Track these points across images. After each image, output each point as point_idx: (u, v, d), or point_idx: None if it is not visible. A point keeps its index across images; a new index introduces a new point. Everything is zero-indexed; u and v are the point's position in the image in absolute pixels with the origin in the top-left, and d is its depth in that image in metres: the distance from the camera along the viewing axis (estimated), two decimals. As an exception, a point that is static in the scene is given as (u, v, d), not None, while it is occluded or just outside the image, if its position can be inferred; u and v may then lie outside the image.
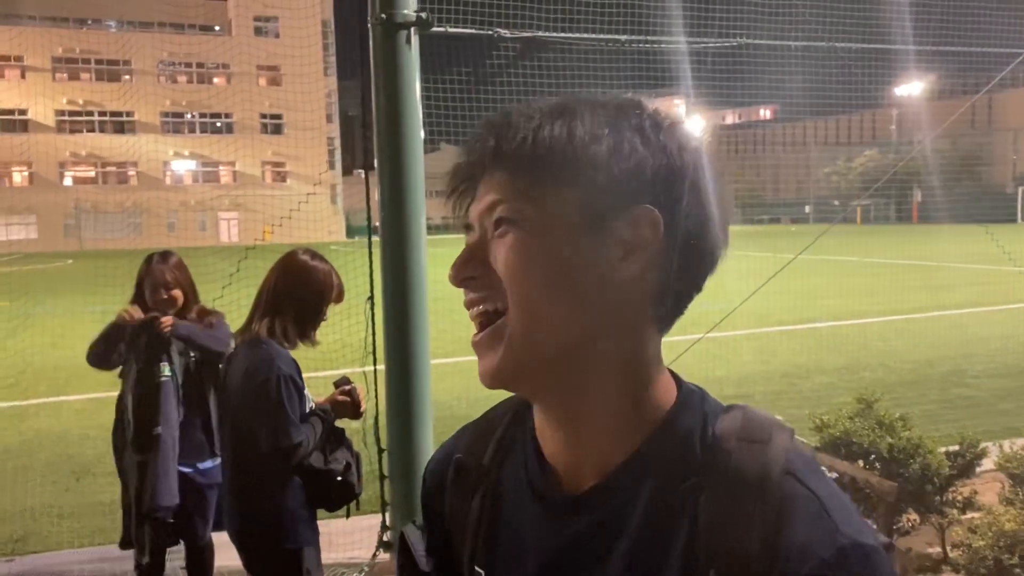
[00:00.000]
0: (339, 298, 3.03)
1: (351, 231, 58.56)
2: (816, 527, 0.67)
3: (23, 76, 53.54)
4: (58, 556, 4.22)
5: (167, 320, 3.53)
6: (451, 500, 0.87)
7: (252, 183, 57.83)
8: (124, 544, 3.66)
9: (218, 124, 58.19)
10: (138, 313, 3.52)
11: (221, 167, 58.15)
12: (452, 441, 0.94)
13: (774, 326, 12.97)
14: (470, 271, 0.76)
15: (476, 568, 0.83)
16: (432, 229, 4.65)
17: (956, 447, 4.18)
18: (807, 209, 64.77)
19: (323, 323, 3.02)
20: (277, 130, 58.64)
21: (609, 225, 0.72)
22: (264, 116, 58.30)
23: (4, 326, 12.40)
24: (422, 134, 4.26)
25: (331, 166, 60.17)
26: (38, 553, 4.19)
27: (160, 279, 3.60)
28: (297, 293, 2.89)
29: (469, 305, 0.77)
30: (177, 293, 3.63)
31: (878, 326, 13.20)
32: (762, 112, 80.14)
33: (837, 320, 13.83)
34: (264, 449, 2.73)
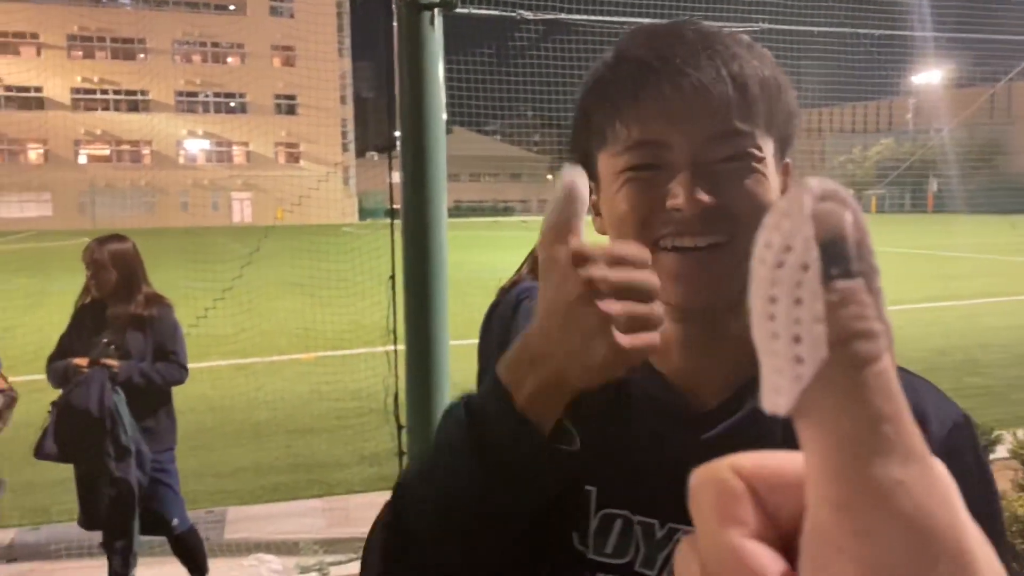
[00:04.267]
0: None
1: (363, 213, 58.66)
2: (942, 399, 0.81)
3: (39, 53, 53.64)
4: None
5: (114, 365, 3.47)
6: None
7: (265, 164, 57.92)
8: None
9: (232, 104, 58.20)
10: (84, 362, 3.45)
11: (234, 147, 58.22)
12: None
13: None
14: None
15: (586, 487, 0.80)
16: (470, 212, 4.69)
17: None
18: (821, 197, 64.00)
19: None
20: (291, 111, 58.64)
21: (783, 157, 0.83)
22: (278, 96, 58.29)
23: (22, 302, 12.54)
24: (444, 116, 4.28)
25: (344, 148, 60.20)
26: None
27: (101, 267, 3.54)
28: None
29: (681, 233, 0.77)
30: (122, 282, 3.56)
31: (892, 315, 13.15)
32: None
33: (850, 308, 13.78)
34: None
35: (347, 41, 59.59)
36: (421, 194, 4.29)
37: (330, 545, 4.36)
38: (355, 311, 9.43)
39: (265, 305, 12.93)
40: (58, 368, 3.46)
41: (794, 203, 0.24)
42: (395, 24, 4.16)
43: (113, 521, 3.53)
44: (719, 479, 0.25)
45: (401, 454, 4.50)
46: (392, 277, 4.49)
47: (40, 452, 3.38)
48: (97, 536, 3.67)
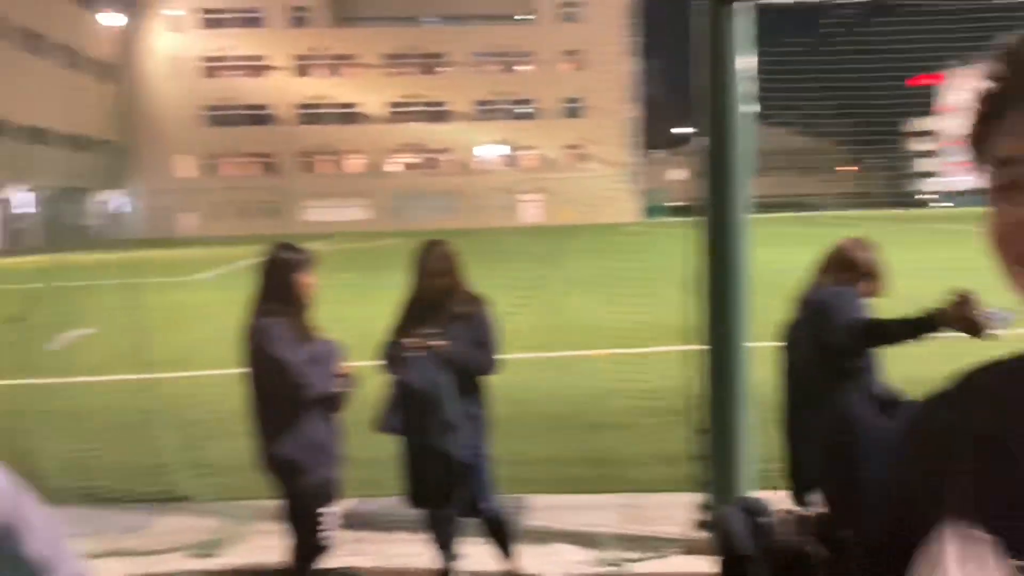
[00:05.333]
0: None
1: (649, 211, 58.78)
2: None
3: (358, 73, 59.99)
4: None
5: (441, 345, 3.71)
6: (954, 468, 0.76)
7: (554, 166, 60.04)
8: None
9: (524, 111, 61.03)
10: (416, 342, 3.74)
11: (526, 151, 61.01)
12: (938, 410, 0.81)
13: None
14: None
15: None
16: (759, 208, 4.52)
17: None
18: None
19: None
20: (579, 113, 60.25)
21: None
22: (566, 100, 60.16)
23: (347, 297, 14.07)
24: (747, 109, 4.15)
25: (631, 147, 60.71)
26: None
27: (428, 267, 3.83)
28: None
29: None
30: (446, 280, 3.82)
31: None
32: None
33: None
34: None
35: (635, 41, 60.07)
36: (721, 191, 4.19)
37: (627, 541, 4.40)
38: (645, 310, 9.47)
39: (557, 302, 13.39)
40: (391, 352, 3.82)
41: None
42: (694, 19, 4.11)
43: (438, 498, 3.84)
44: None
45: (698, 458, 4.43)
46: (689, 276, 4.42)
47: (383, 427, 3.76)
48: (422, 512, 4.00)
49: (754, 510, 3.21)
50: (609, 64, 58.70)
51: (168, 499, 5.16)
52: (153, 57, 58.04)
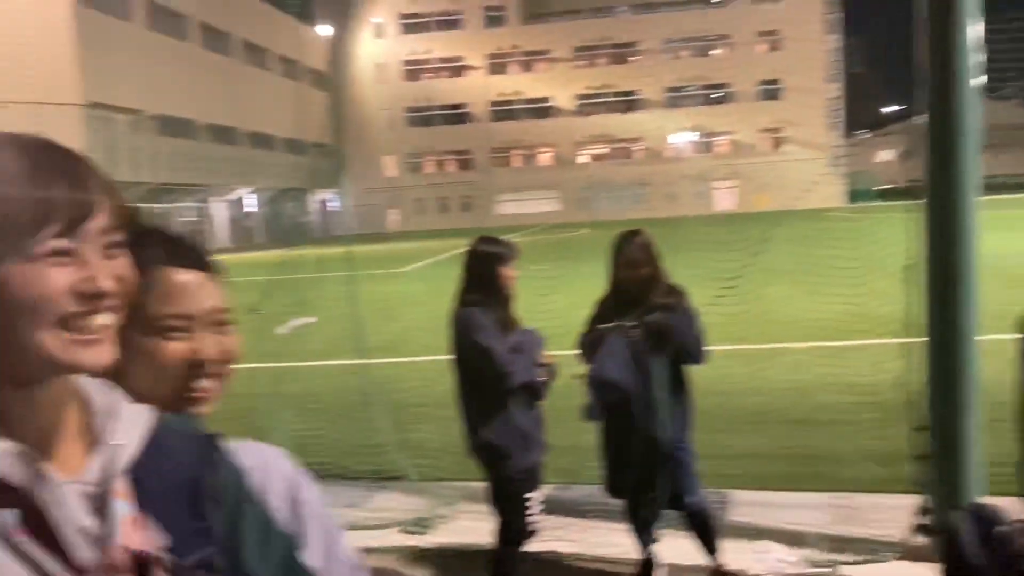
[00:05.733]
0: None
1: (852, 195, 55.31)
2: None
3: (549, 68, 60.74)
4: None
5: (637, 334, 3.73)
6: None
7: (748, 151, 57.98)
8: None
9: (716, 95, 59.35)
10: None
11: (718, 137, 59.33)
12: None
13: None
14: None
15: None
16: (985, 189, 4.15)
17: None
18: None
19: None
20: (774, 96, 57.79)
21: None
22: (762, 83, 57.88)
23: (540, 288, 14.31)
24: (975, 82, 3.82)
25: (831, 128, 57.49)
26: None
27: (627, 258, 3.80)
28: None
29: None
30: (645, 271, 3.79)
31: None
32: None
33: None
34: None
35: (835, 17, 56.74)
36: (947, 171, 3.88)
37: (839, 543, 4.20)
38: (851, 300, 8.95)
39: (755, 292, 12.95)
40: (591, 342, 3.87)
41: None
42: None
43: (639, 489, 3.84)
44: None
45: (918, 458, 4.15)
46: (907, 264, 4.13)
47: (588, 415, 3.83)
48: (622, 502, 4.02)
49: (988, 517, 2.96)
50: (808, 43, 55.79)
51: (383, 477, 5.50)
52: (360, 63, 61.69)
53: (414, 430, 6.59)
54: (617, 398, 3.71)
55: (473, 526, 4.56)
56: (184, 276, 1.11)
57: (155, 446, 0.88)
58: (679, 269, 4.37)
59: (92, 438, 0.85)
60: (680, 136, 59.39)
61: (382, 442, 5.88)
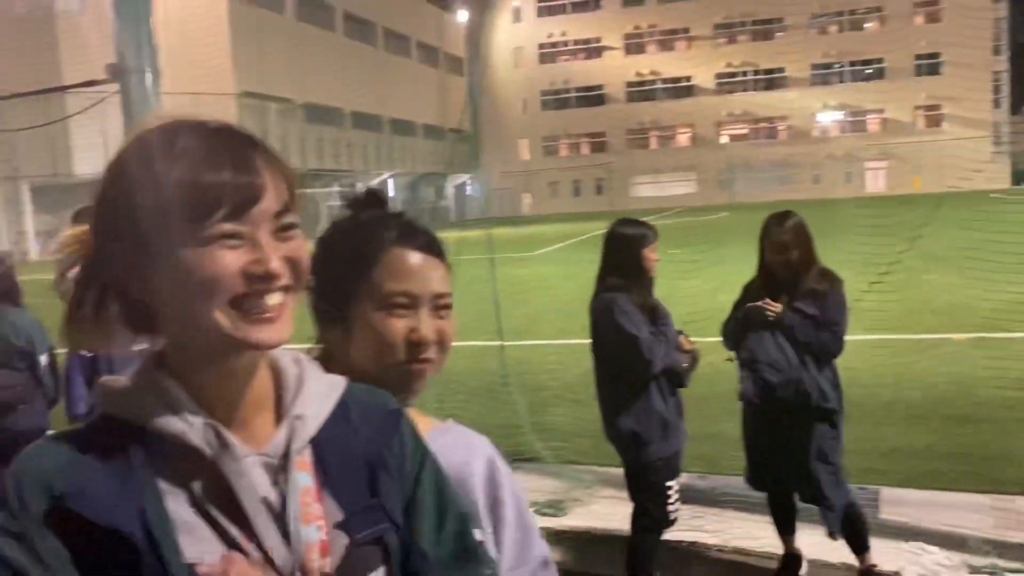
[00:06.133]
0: None
1: (1017, 176, 51.21)
2: None
3: (689, 46, 59.27)
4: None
5: (775, 310, 3.59)
6: None
7: (902, 130, 54.71)
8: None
9: (867, 71, 56.22)
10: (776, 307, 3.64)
11: (869, 115, 56.24)
12: None
13: None
14: None
15: None
16: None
17: None
18: None
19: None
20: (933, 70, 54.17)
21: None
22: (919, 57, 54.36)
23: (676, 272, 14.05)
24: None
25: (996, 105, 53.37)
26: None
27: (777, 241, 3.62)
28: None
29: None
30: (797, 254, 3.60)
31: None
32: None
33: None
34: None
35: (1005, -18, 52.56)
36: None
37: (1003, 548, 3.92)
38: (1016, 288, 8.30)
39: (914, 279, 12.25)
40: (740, 328, 3.76)
41: None
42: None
43: (782, 481, 3.72)
44: None
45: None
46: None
47: (742, 399, 3.74)
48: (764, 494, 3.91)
49: None
50: (971, 11, 51.87)
51: (519, 458, 5.56)
52: (496, 48, 62.24)
53: (549, 413, 6.62)
54: (767, 386, 3.59)
55: (609, 511, 4.54)
56: (414, 258, 1.17)
57: (341, 418, 0.90)
58: (829, 254, 4.17)
59: (282, 410, 0.88)
60: (827, 115, 56.70)
61: (518, 423, 5.94)
